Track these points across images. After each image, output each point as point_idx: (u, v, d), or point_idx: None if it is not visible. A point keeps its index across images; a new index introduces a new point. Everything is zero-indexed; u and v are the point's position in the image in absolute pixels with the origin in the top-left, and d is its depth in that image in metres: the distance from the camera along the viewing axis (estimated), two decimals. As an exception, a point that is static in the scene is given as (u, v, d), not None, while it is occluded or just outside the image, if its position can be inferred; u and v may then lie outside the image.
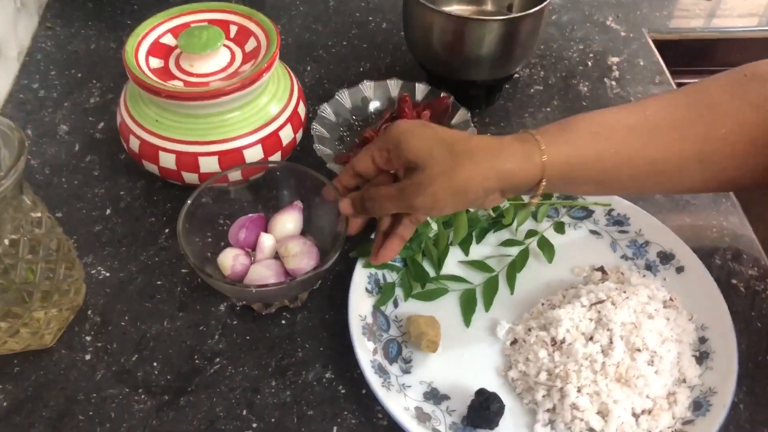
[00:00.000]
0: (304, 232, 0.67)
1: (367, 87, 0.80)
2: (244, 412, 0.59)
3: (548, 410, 0.57)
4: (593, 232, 0.72)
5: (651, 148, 0.54)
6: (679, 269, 0.67)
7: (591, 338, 0.59)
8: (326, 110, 0.78)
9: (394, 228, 0.60)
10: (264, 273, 0.62)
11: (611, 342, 0.58)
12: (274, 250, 0.65)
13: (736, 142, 0.54)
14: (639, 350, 0.57)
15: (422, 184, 0.51)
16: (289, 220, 0.65)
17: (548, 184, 0.53)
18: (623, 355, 0.57)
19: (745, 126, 0.54)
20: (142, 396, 0.60)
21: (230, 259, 0.63)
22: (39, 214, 0.57)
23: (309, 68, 0.91)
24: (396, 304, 0.66)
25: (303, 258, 0.62)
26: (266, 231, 0.66)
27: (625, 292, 0.62)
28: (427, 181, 0.51)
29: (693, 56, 1.03)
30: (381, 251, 0.60)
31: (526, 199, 0.69)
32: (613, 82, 0.91)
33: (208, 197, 0.64)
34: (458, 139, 0.52)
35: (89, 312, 0.65)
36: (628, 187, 0.59)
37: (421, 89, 0.79)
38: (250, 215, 0.66)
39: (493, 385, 0.60)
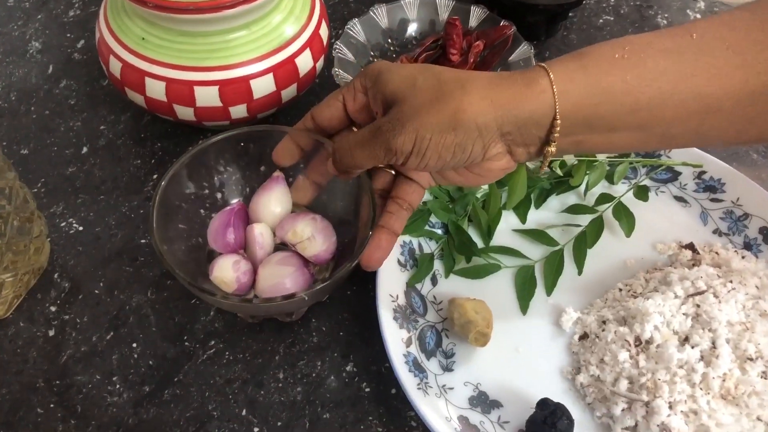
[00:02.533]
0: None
1: (410, 4, 0.65)
2: (244, 412, 0.47)
3: (628, 428, 0.45)
4: (678, 199, 0.58)
5: (700, 78, 0.39)
6: (789, 251, 0.54)
7: (686, 339, 0.46)
8: (355, 28, 0.63)
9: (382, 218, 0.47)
10: (281, 271, 0.47)
11: (714, 346, 0.45)
12: (274, 241, 0.50)
13: None
14: (751, 359, 0.45)
15: (401, 119, 0.40)
16: (273, 201, 0.50)
17: (566, 124, 0.39)
18: (731, 364, 0.45)
19: None
20: (117, 386, 0.48)
21: (232, 270, 0.47)
22: (-18, 154, 0.44)
23: (332, -16, 0.76)
24: (434, 282, 0.53)
25: (320, 239, 0.48)
26: (249, 220, 0.51)
27: (731, 281, 0.49)
28: (409, 115, 0.40)
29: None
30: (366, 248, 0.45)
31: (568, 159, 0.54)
32: (698, 15, 0.75)
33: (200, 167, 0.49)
34: (448, 69, 0.42)
35: (55, 276, 0.53)
36: (676, 134, 0.43)
37: (477, 14, 0.64)
38: (230, 207, 0.50)
39: (557, 390, 0.48)
